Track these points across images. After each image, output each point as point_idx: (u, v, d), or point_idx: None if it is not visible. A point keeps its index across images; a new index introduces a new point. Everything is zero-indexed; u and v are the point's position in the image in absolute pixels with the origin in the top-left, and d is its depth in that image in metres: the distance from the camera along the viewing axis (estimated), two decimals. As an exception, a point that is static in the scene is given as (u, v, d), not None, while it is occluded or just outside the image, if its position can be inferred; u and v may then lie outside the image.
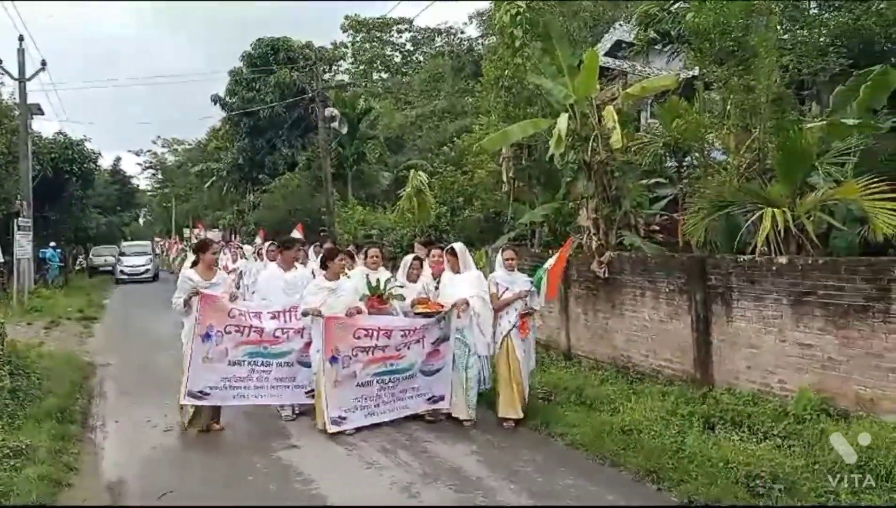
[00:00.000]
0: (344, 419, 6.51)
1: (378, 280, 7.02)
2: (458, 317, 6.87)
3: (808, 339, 6.41)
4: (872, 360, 5.87)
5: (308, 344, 6.86)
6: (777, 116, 7.69)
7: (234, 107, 30.39)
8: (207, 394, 6.52)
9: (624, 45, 16.18)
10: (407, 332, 6.78)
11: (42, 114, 24.28)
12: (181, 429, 6.77)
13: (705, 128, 8.71)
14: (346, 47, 39.18)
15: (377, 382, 6.69)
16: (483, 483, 5.34)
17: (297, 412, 7.21)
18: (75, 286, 25.64)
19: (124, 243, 36.13)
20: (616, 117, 8.48)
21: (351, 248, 7.70)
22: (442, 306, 6.94)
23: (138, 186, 55.54)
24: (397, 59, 40.99)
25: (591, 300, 9.43)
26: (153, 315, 16.60)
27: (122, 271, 29.23)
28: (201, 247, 6.91)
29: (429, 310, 6.95)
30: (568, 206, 10.85)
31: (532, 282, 7.24)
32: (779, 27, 9.42)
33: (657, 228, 10.67)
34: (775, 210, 6.99)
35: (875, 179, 6.75)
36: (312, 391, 6.85)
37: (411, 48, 40.73)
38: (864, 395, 5.92)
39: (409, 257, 7.66)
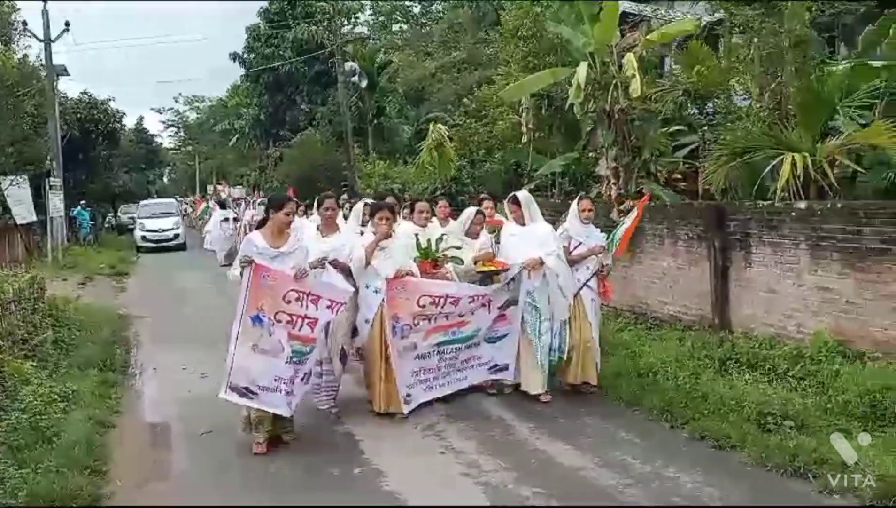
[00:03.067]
0: (410, 396, 5.74)
1: (429, 241, 5.99)
2: (529, 278, 5.99)
3: (826, 283, 6.46)
4: (891, 302, 5.93)
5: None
6: (799, 59, 7.58)
7: (252, 63, 30.31)
8: (255, 394, 5.04)
9: (647, -11, 15.77)
10: (475, 297, 5.97)
11: (68, 75, 24.43)
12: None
13: (726, 73, 8.60)
14: (366, -1, 38.52)
15: (436, 353, 5.92)
16: (503, 422, 5.59)
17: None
18: (105, 244, 26.26)
19: (143, 203, 29.16)
20: (636, 65, 8.42)
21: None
22: (507, 265, 6.05)
23: (161, 144, 55.96)
24: (416, 10, 40.24)
25: (610, 249, 9.50)
26: (182, 270, 17.20)
27: (143, 237, 23.93)
28: (274, 204, 5.23)
29: (494, 268, 6.09)
30: (588, 155, 10.84)
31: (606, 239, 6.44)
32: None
33: (679, 176, 10.61)
34: (795, 155, 6.97)
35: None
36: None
37: (430, -3, 39.92)
38: (880, 337, 6.00)
39: (472, 210, 6.55)
